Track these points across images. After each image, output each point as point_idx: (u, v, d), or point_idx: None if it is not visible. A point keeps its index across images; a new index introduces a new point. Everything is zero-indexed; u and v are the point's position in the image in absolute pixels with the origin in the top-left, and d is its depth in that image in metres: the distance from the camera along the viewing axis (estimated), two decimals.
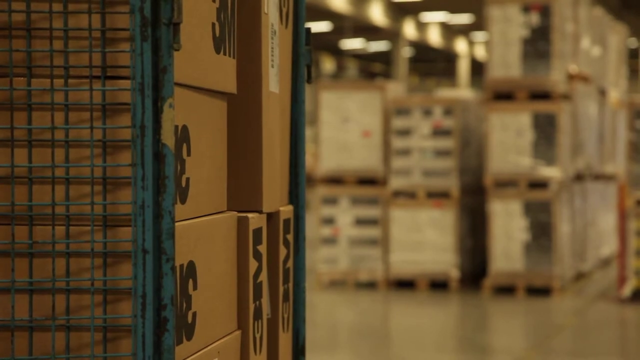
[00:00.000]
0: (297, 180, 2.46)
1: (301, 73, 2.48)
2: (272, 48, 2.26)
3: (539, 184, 11.22)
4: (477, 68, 27.90)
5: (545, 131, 11.20)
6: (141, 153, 1.71)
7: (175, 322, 1.73)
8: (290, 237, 2.43)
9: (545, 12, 11.20)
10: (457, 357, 8.29)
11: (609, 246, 14.42)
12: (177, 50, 1.73)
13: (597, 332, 9.28)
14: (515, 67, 11.25)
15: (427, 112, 11.54)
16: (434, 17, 28.36)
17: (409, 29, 27.72)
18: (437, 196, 11.49)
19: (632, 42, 27.32)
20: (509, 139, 11.22)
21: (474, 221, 12.17)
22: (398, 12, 26.81)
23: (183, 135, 1.88)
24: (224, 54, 2.05)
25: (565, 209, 11.52)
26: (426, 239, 11.48)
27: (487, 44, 11.45)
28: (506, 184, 11.26)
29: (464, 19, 27.62)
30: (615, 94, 14.89)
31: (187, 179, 1.90)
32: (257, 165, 2.19)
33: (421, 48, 31.95)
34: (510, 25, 11.25)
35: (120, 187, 1.80)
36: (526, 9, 11.21)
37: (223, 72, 2.06)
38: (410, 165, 11.54)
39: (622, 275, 11.24)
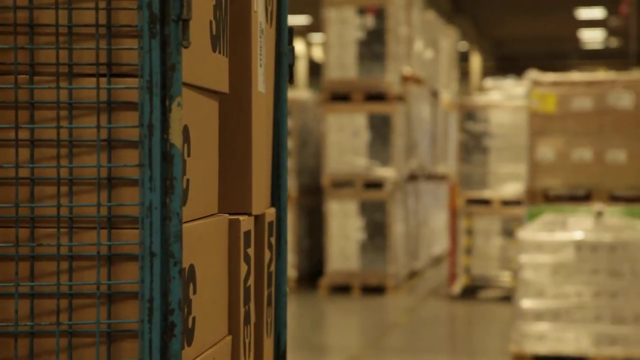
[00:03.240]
0: (279, 182, 2.43)
1: (284, 72, 2.44)
2: (261, 47, 2.23)
3: (374, 184, 11.42)
4: (315, 69, 28.15)
5: (380, 132, 11.40)
6: (149, 153, 1.65)
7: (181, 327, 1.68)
8: (273, 240, 2.39)
9: (380, 14, 11.38)
10: (293, 356, 8.37)
11: (440, 245, 14.77)
12: (186, 47, 1.68)
13: (429, 329, 9.52)
14: (351, 69, 11.40)
15: None
16: None
17: None
18: None
19: (463, 46, 28.03)
20: (345, 140, 11.37)
21: (312, 221, 12.29)
22: None
23: (185, 136, 1.84)
24: (219, 52, 2.02)
25: (400, 208, 11.75)
26: None
27: (324, 45, 11.59)
28: (343, 184, 11.42)
29: (301, 20, 27.81)
30: (446, 96, 15.25)
31: (188, 180, 1.86)
32: (246, 166, 2.15)
33: None
34: (346, 28, 11.40)
35: (123, 187, 1.75)
36: (362, 12, 11.37)
37: (218, 71, 2.02)
38: None
39: (452, 273, 11.55)
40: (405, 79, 11.97)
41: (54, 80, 1.75)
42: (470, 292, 11.34)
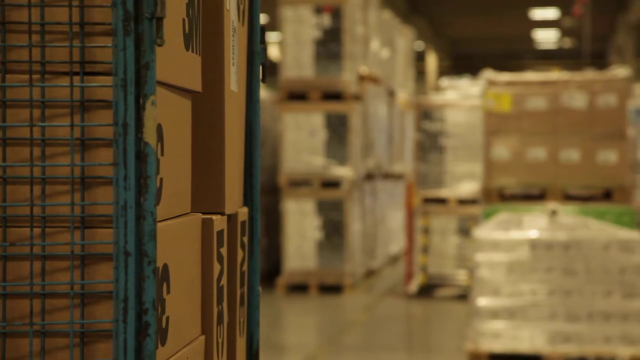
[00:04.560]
0: (252, 182, 2.42)
1: (256, 72, 2.43)
2: (233, 46, 2.23)
3: (331, 183, 11.46)
4: (272, 68, 28.17)
5: (337, 131, 11.43)
6: (123, 152, 1.64)
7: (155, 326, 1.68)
8: (245, 239, 2.38)
9: (336, 13, 11.41)
10: None
11: (397, 243, 14.83)
12: (160, 45, 1.67)
13: (386, 327, 9.57)
14: (308, 68, 11.43)
15: None
16: None
17: None
18: None
19: (419, 45, 28.15)
20: (302, 139, 11.40)
21: (269, 220, 12.31)
22: None
23: (158, 134, 1.82)
24: (192, 51, 2.01)
25: (357, 207, 11.79)
26: None
27: (281, 44, 11.61)
28: (300, 183, 11.45)
29: None
30: (403, 95, 15.32)
31: (161, 180, 1.85)
32: (219, 166, 2.14)
33: None
34: (302, 26, 11.42)
35: (96, 187, 1.74)
36: (318, 11, 11.40)
37: (191, 70, 2.02)
38: None
39: (409, 272, 11.61)
40: (362, 78, 12.01)
41: (27, 78, 1.74)
42: (427, 290, 11.41)
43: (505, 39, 29.48)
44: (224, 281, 2.17)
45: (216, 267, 2.11)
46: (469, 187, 11.50)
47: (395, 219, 14.59)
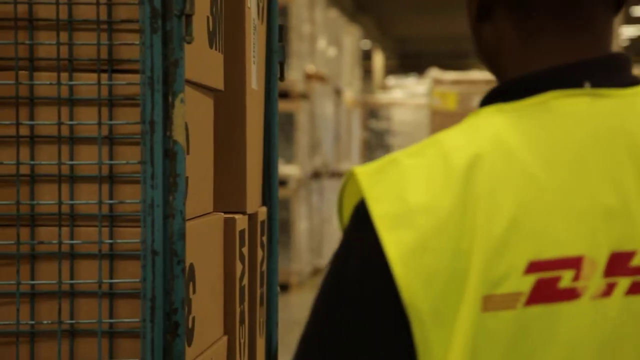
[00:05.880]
0: (270, 181, 2.41)
1: (274, 70, 2.41)
2: (254, 44, 2.21)
3: (278, 182, 11.46)
4: None
5: (284, 129, 11.43)
6: (151, 150, 1.62)
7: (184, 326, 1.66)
8: (265, 239, 2.36)
9: (282, 12, 11.42)
10: None
11: None
12: (189, 42, 1.65)
13: None
14: None
15: None
16: None
17: None
18: None
19: (366, 44, 28.23)
20: None
21: None
22: None
23: (185, 133, 1.79)
24: (215, 49, 1.99)
25: (303, 206, 11.81)
26: None
27: None
28: None
29: None
30: (350, 94, 15.36)
31: (187, 179, 1.82)
32: (241, 165, 2.13)
33: None
34: None
35: (123, 185, 1.73)
36: None
37: (214, 68, 2.00)
38: None
39: None
40: (309, 77, 12.01)
41: (54, 76, 1.73)
42: None
43: (453, 38, 29.69)
44: (245, 281, 2.17)
45: (238, 266, 2.10)
46: None
47: None
